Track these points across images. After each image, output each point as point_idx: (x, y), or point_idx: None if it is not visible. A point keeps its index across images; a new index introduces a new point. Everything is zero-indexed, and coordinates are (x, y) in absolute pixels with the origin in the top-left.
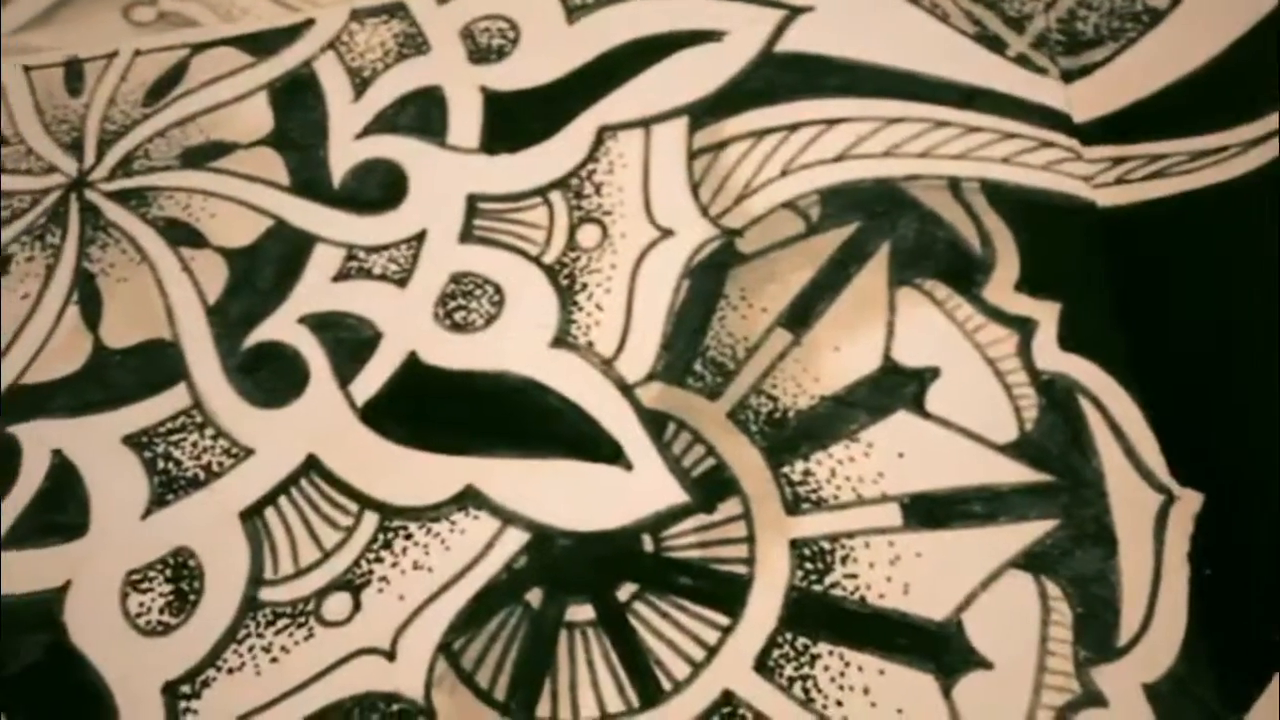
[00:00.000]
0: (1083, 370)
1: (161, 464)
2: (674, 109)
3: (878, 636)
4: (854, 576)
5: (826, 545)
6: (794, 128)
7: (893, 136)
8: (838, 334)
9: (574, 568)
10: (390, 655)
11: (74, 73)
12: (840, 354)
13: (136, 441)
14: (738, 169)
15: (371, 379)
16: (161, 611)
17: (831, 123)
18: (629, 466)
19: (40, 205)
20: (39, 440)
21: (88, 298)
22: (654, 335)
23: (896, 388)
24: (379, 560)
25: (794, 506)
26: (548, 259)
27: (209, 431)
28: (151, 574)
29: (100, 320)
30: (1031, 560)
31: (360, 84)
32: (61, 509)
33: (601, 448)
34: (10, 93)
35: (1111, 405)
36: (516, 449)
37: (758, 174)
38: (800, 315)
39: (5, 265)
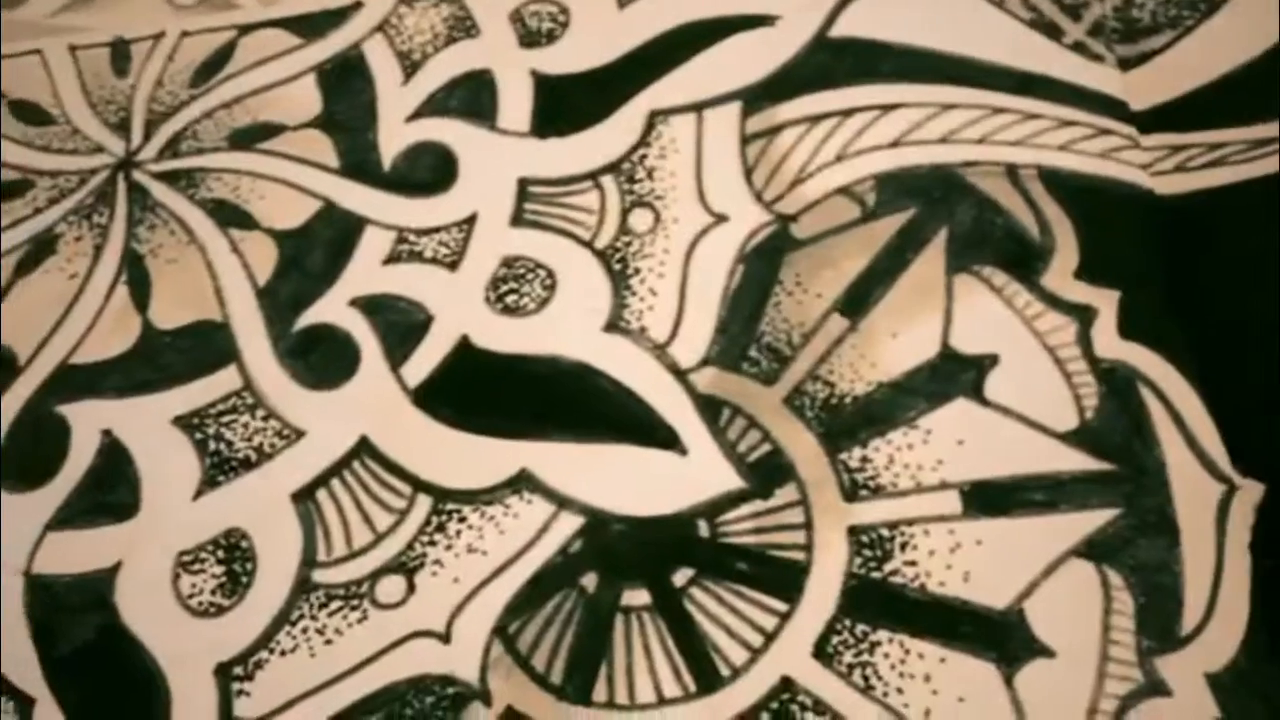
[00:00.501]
0: (1143, 359)
1: (213, 445)
2: (726, 94)
3: (938, 624)
4: (914, 564)
5: (885, 532)
6: (849, 113)
7: (949, 123)
8: (895, 320)
9: (629, 552)
10: (445, 638)
11: (120, 53)
12: (898, 340)
13: (187, 423)
14: (792, 154)
15: (423, 362)
16: (213, 592)
17: (887, 108)
18: (684, 452)
19: (88, 185)
20: (89, 420)
21: (137, 278)
22: (708, 320)
23: (955, 375)
24: (433, 543)
25: (852, 493)
26: (600, 243)
27: (260, 413)
28: (203, 555)
29: (149, 301)
30: (1093, 549)
31: (409, 67)
32: (112, 489)
33: (656, 433)
34: (56, 72)
35: (1172, 394)
36: (570, 433)
37: (812, 159)
38: (857, 301)
39: (53, 245)
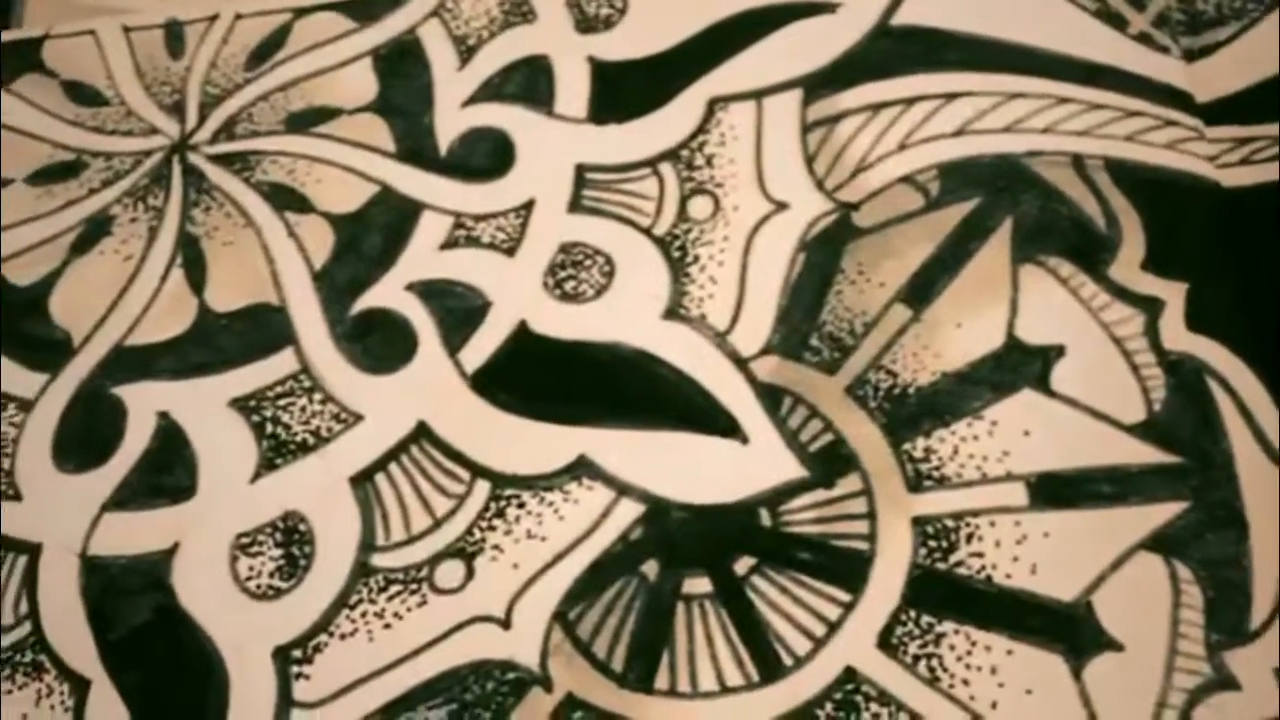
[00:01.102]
0: (1210, 351)
1: (270, 428)
2: (787, 81)
3: (1005, 616)
4: (979, 555)
5: (950, 523)
6: (911, 101)
7: (1013, 112)
8: (959, 310)
9: (690, 540)
10: (505, 624)
11: (174, 35)
12: (962, 330)
13: (244, 405)
14: (853, 142)
15: (481, 347)
16: (271, 575)
17: (950, 97)
18: (745, 440)
19: (142, 167)
20: (145, 402)
21: (192, 260)
22: (769, 309)
23: (1020, 365)
24: (492, 528)
25: (916, 484)
26: (658, 230)
27: (317, 396)
28: (261, 537)
29: (205, 283)
30: (1161, 542)
31: (465, 52)
32: (168, 471)
33: (716, 421)
34: (110, 53)
35: (1240, 387)
36: (629, 420)
37: (874, 148)
38: (920, 291)
39: (107, 226)
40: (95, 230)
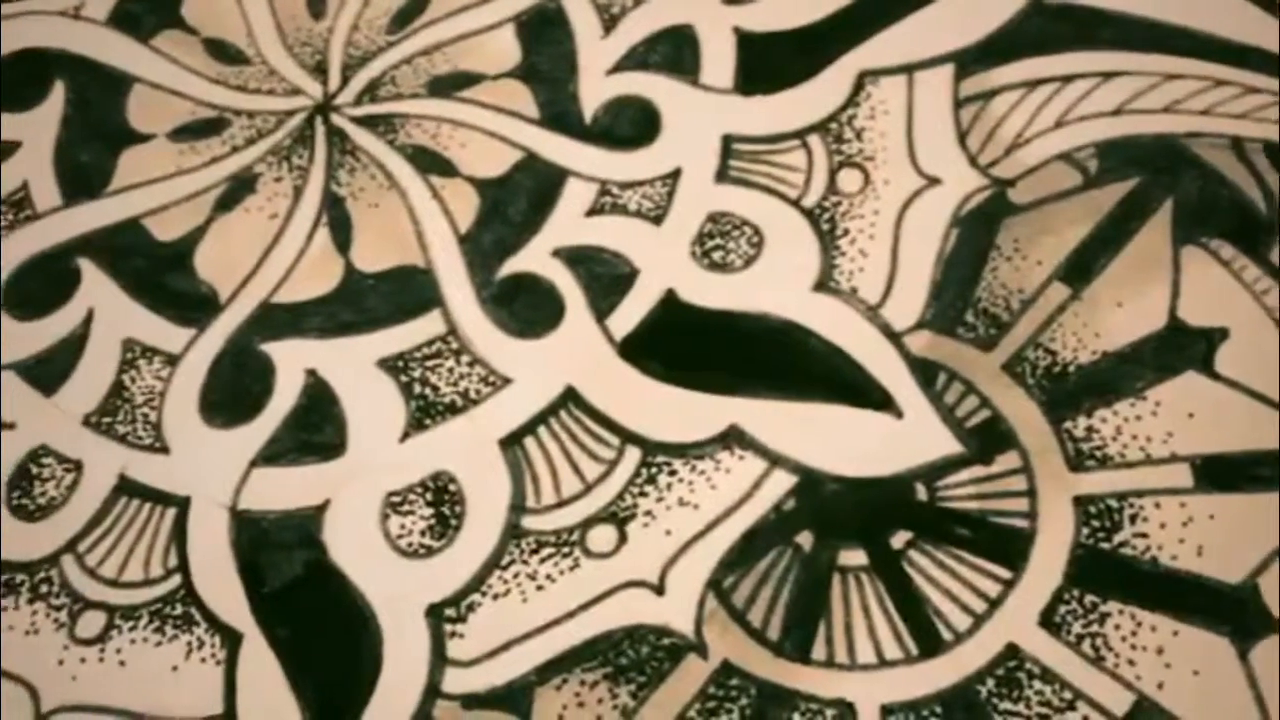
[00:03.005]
0: None
1: (418, 389)
2: (939, 56)
3: (1171, 597)
4: (1144, 536)
5: (1114, 503)
6: (1068, 79)
7: (1172, 92)
8: (1120, 290)
9: (844, 513)
10: (659, 589)
11: None
12: (1123, 310)
13: (392, 365)
14: (1008, 119)
15: (629, 314)
16: (423, 534)
17: (1108, 75)
18: (899, 414)
19: (285, 126)
20: (293, 359)
21: (337, 221)
22: (922, 283)
23: (1183, 347)
24: (643, 495)
25: (1077, 463)
26: (807, 202)
27: (465, 359)
28: (411, 497)
29: (351, 243)
30: None
31: (609, 20)
32: (318, 429)
33: (869, 394)
34: (251, 12)
35: None
36: (779, 391)
37: (1030, 125)
38: (1079, 269)
39: (252, 184)
40: (239, 188)
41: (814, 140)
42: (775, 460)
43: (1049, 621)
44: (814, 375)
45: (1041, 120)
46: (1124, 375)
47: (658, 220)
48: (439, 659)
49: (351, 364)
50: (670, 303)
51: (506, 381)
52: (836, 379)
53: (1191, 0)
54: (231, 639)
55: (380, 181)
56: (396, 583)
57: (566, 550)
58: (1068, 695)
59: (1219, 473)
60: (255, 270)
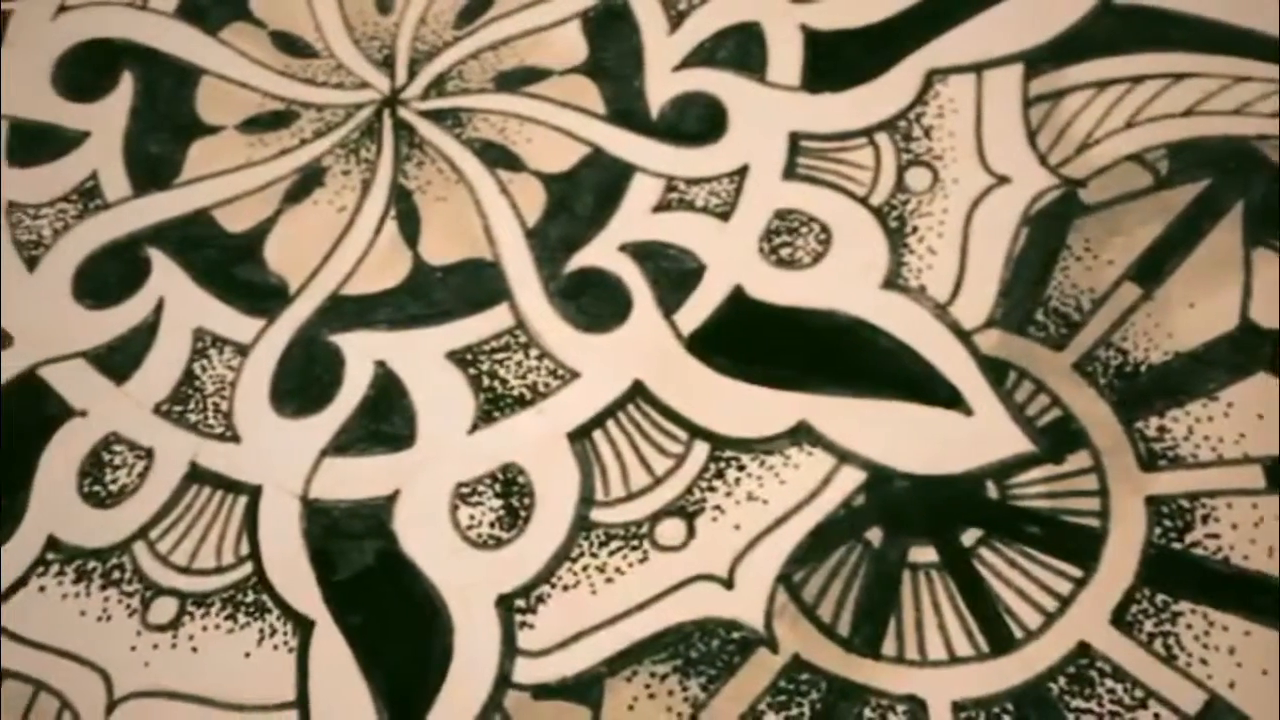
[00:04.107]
0: None
1: (487, 381)
2: (1008, 55)
3: (1242, 598)
4: (1216, 537)
5: (1185, 503)
6: (1138, 80)
7: (1242, 95)
8: (1191, 291)
9: (914, 510)
10: (728, 583)
11: None
12: (1195, 311)
13: (460, 358)
14: (1078, 119)
15: (697, 310)
16: (492, 525)
17: (1178, 77)
18: (968, 412)
19: (353, 120)
20: (362, 350)
21: (405, 214)
22: (991, 282)
23: (1256, 348)
24: (712, 489)
25: (1149, 462)
26: (875, 200)
27: (533, 352)
28: (481, 488)
29: (419, 236)
30: None
31: (676, 17)
32: (387, 419)
33: (937, 392)
34: (318, 6)
35: None
36: (847, 388)
37: (1100, 125)
38: (1151, 270)
39: (320, 177)
40: (308, 180)
41: (882, 138)
42: (844, 456)
43: (1121, 620)
44: (882, 372)
45: (1112, 121)
46: (1196, 375)
47: (725, 216)
48: (509, 649)
49: (420, 356)
50: (738, 299)
51: (574, 375)
52: (905, 376)
53: (1261, 2)
54: (303, 627)
55: (448, 175)
56: (466, 573)
57: (635, 543)
58: (1139, 694)
59: None
60: (324, 262)
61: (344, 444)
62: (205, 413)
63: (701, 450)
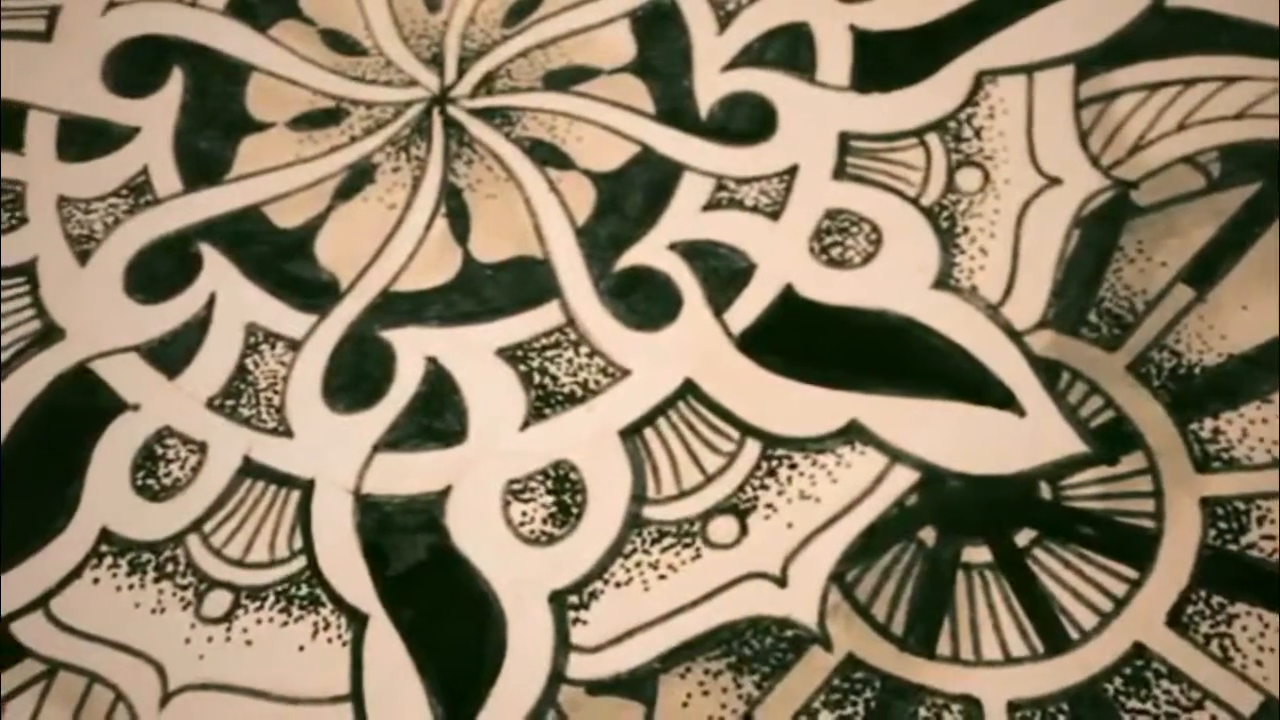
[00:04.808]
0: None
1: (537, 378)
2: (1059, 57)
3: None
4: (1272, 539)
5: (1241, 505)
6: (1189, 83)
7: None
8: (1245, 293)
9: (968, 510)
10: (781, 581)
11: None
12: (1249, 313)
13: (511, 355)
14: (1130, 121)
15: (747, 309)
16: (544, 522)
17: (1229, 80)
18: (1021, 413)
19: (403, 117)
20: (413, 347)
21: (455, 211)
22: (1044, 283)
23: None
24: (764, 487)
25: (1204, 464)
26: (925, 200)
27: (584, 350)
28: (533, 484)
29: (469, 234)
30: None
31: (724, 17)
32: (438, 415)
33: (990, 392)
34: (368, 5)
35: None
36: (899, 387)
37: (1152, 127)
38: (1204, 271)
39: (370, 174)
40: (359, 177)
41: (932, 138)
42: (896, 456)
43: (1176, 621)
44: (934, 372)
45: (1164, 123)
46: (1250, 378)
47: (775, 216)
48: (563, 645)
49: (471, 352)
50: (789, 298)
51: (625, 373)
52: (957, 376)
53: None
54: (357, 620)
55: (498, 173)
56: (519, 569)
57: (688, 540)
58: (1195, 695)
59: None
60: (375, 258)
61: (396, 439)
62: (258, 407)
63: (753, 448)
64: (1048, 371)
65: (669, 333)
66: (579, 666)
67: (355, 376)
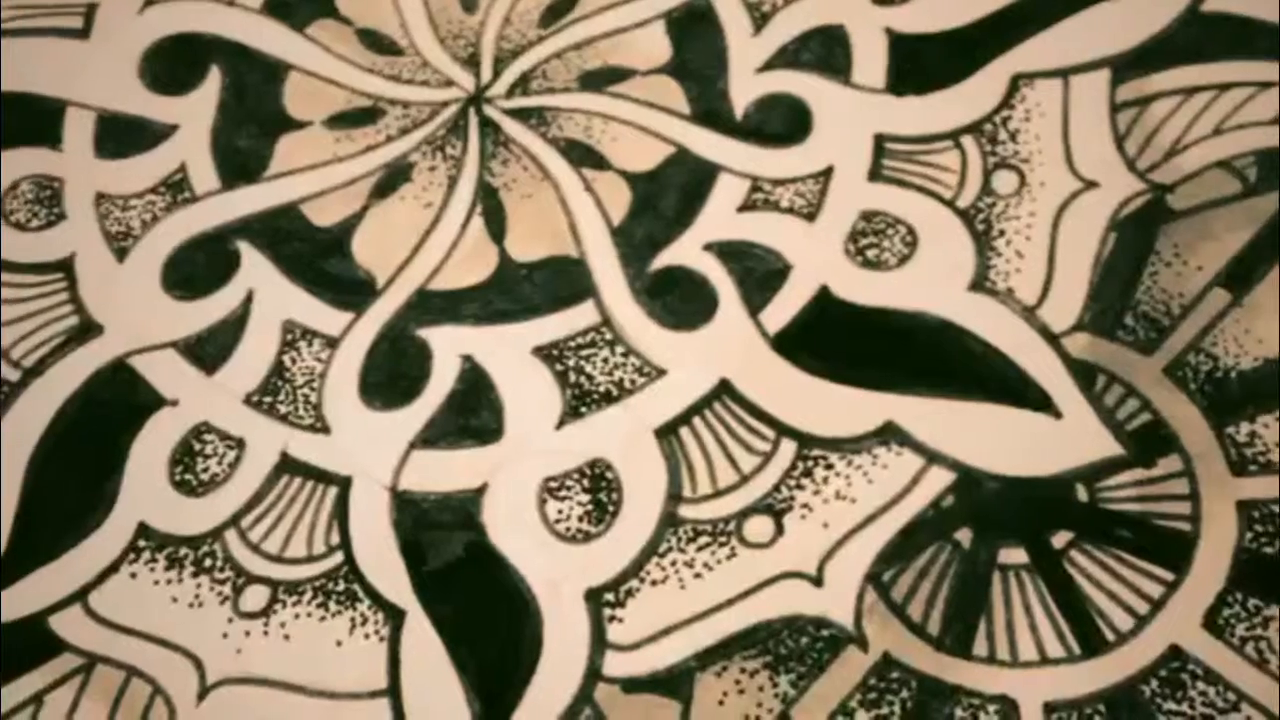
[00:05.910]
0: None
1: (573, 377)
2: (1095, 60)
3: None
4: None
5: (1277, 509)
6: (1225, 88)
7: None
8: None
9: (1004, 511)
10: (817, 581)
11: None
12: None
13: (547, 353)
14: (1166, 125)
15: (783, 309)
16: (580, 520)
17: (1264, 85)
18: (1057, 415)
19: (439, 117)
20: (449, 345)
21: (491, 211)
22: (1080, 286)
23: None
24: (800, 487)
25: (1240, 467)
26: (961, 203)
27: (619, 349)
28: (569, 483)
29: (505, 233)
30: None
31: (759, 18)
32: (475, 413)
33: (1026, 394)
34: (404, 5)
35: None
36: (935, 389)
37: (1188, 131)
38: (1240, 275)
39: (407, 173)
40: (395, 176)
41: (968, 141)
42: (933, 457)
43: (1212, 624)
44: (970, 374)
45: (1200, 127)
46: None
47: (810, 217)
48: (599, 642)
49: (507, 351)
50: (824, 299)
51: (661, 372)
52: (993, 378)
53: None
54: (395, 616)
55: (533, 173)
56: (555, 566)
57: (724, 539)
58: (1231, 697)
59: None
60: (411, 257)
61: (432, 437)
62: (295, 404)
63: (789, 449)
64: (1084, 374)
65: (704, 333)
66: (615, 664)
67: (392, 374)
